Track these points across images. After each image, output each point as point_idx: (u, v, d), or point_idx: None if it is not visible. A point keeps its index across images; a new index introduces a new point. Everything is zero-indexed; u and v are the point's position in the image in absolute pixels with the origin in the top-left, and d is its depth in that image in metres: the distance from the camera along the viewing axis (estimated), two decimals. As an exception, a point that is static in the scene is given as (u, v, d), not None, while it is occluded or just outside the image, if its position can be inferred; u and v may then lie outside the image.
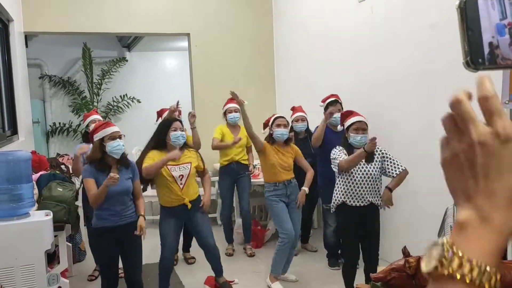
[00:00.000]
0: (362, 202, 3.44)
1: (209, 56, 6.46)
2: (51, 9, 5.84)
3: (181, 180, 3.57)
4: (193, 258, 4.78)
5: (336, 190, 3.55)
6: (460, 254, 0.48)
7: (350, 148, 3.45)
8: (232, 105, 4.93)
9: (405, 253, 2.04)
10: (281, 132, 3.99)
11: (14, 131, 4.90)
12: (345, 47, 5.02)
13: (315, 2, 5.60)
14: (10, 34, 4.99)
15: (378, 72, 4.50)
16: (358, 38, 4.78)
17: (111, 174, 2.94)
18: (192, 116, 4.45)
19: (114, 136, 3.10)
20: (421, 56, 3.96)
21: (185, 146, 3.69)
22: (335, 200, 3.54)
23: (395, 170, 3.46)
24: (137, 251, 3.29)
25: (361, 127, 3.43)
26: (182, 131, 3.64)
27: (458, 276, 0.47)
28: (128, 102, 8.93)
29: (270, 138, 4.07)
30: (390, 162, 3.47)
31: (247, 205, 5.09)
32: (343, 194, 3.48)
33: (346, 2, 4.92)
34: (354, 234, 3.50)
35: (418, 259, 1.99)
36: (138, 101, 8.90)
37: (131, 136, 5.22)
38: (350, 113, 3.56)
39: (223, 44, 6.51)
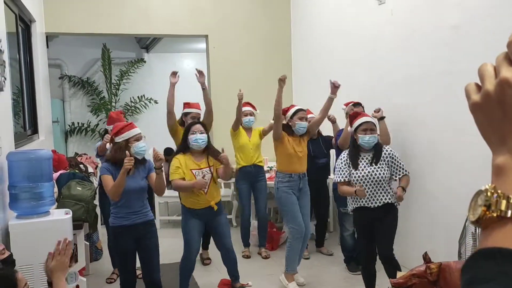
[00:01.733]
0: (376, 203, 3.40)
1: (227, 58, 6.47)
2: (72, 10, 5.92)
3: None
4: (209, 259, 4.79)
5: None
6: (506, 195, 0.48)
7: (357, 152, 3.43)
8: (247, 108, 4.95)
9: (426, 259, 2.02)
10: (303, 126, 4.05)
11: (35, 130, 4.97)
12: (365, 47, 4.98)
13: (334, 3, 5.57)
14: (32, 35, 5.07)
15: (398, 72, 4.47)
16: (378, 38, 4.75)
17: (126, 159, 2.98)
18: (201, 74, 4.67)
19: (139, 138, 3.14)
20: (441, 57, 3.91)
21: (207, 150, 3.71)
22: (351, 203, 3.52)
23: (398, 174, 3.47)
24: (154, 249, 3.32)
25: (369, 128, 3.40)
26: (202, 133, 3.66)
27: (509, 214, 0.46)
28: (145, 103, 8.99)
29: (288, 128, 4.06)
30: (395, 164, 3.46)
31: (264, 208, 5.08)
32: (357, 197, 3.45)
33: (366, 4, 4.89)
34: (370, 236, 3.47)
35: (440, 265, 1.96)
36: (156, 102, 8.95)
37: (148, 137, 5.25)
38: (357, 114, 3.54)
39: (241, 45, 6.52)
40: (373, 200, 3.40)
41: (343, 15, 5.38)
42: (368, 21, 4.89)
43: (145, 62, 9.14)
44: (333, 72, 5.64)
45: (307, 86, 6.40)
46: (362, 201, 3.43)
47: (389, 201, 3.40)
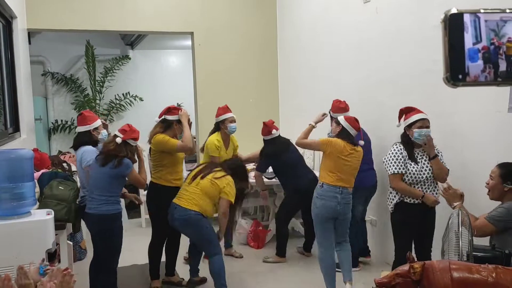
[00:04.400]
0: (419, 199, 3.33)
1: (213, 55, 6.44)
2: (55, 6, 5.83)
3: None
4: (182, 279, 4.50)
5: (392, 190, 3.44)
6: None
7: (412, 146, 3.33)
8: (232, 114, 4.66)
9: (410, 258, 2.02)
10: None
11: (16, 128, 4.88)
12: (351, 46, 5.00)
13: (320, 2, 5.58)
14: (14, 31, 4.97)
15: (384, 71, 4.49)
16: (364, 37, 4.76)
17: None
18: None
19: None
20: (426, 56, 3.94)
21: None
22: (393, 199, 3.42)
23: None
24: None
25: (425, 125, 3.29)
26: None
27: None
28: (130, 100, 8.91)
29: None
30: (442, 157, 3.38)
31: None
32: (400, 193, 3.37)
33: (351, 3, 4.90)
34: (410, 233, 3.39)
35: (423, 265, 1.97)
36: (141, 99, 8.88)
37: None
38: (411, 109, 3.38)
39: (226, 43, 6.49)
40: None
41: (328, 14, 5.38)
42: (354, 20, 4.90)
43: (130, 59, 9.05)
44: (318, 70, 5.66)
45: (293, 85, 6.40)
46: (405, 197, 3.34)
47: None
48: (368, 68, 4.72)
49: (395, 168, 3.31)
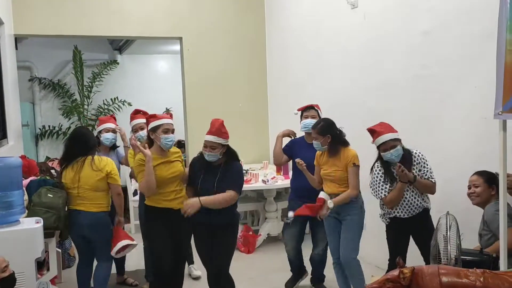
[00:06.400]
0: (413, 211, 3.30)
1: (201, 60, 6.44)
2: (42, 11, 5.79)
3: None
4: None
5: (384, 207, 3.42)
6: None
7: (388, 165, 3.30)
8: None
9: (399, 263, 2.05)
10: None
11: (4, 135, 4.83)
12: (339, 51, 5.03)
13: (308, 7, 5.61)
14: (0, 37, 4.93)
15: (371, 76, 4.53)
16: (352, 42, 4.81)
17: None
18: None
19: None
20: (414, 62, 3.99)
21: None
22: (386, 212, 3.40)
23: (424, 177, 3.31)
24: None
25: (389, 146, 3.23)
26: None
27: None
28: (119, 105, 8.87)
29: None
30: (424, 168, 3.30)
31: None
32: (394, 209, 3.34)
33: (339, 8, 4.94)
34: (405, 242, 3.36)
35: (413, 270, 1.99)
36: (129, 104, 8.83)
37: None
38: (373, 131, 3.32)
39: (215, 48, 6.50)
40: (411, 208, 3.29)
41: (316, 18, 5.42)
42: (342, 25, 4.95)
43: (118, 63, 9.01)
44: (307, 75, 5.69)
45: (282, 89, 6.42)
46: (398, 212, 3.32)
47: (425, 206, 3.32)
48: (356, 73, 4.75)
49: (382, 193, 3.32)
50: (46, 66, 8.50)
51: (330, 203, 3.36)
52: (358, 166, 3.42)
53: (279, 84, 6.50)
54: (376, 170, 3.37)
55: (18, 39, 6.78)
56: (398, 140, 3.27)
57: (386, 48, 4.32)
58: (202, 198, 3.22)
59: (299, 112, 4.11)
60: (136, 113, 4.31)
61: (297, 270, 4.21)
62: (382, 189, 3.32)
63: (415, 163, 3.29)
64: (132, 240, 3.73)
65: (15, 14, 5.63)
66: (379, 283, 2.03)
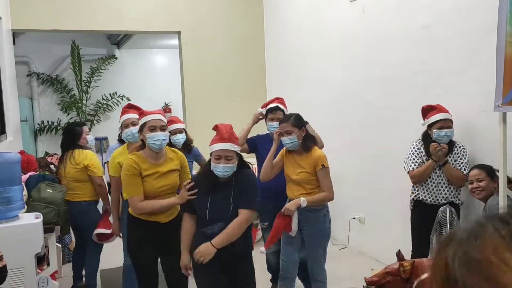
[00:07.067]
0: (438, 199, 3.25)
1: (200, 55, 6.43)
2: (39, 6, 5.76)
3: None
4: None
5: (413, 186, 3.37)
6: None
7: (430, 143, 3.22)
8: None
9: (400, 256, 2.05)
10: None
11: (2, 130, 4.82)
12: (338, 45, 5.02)
13: (306, 1, 5.59)
14: (-2, 32, 4.91)
15: (370, 71, 4.51)
16: (351, 36, 4.79)
17: None
18: None
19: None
20: (413, 56, 3.97)
21: None
22: (411, 195, 3.36)
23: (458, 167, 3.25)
24: None
25: (446, 125, 3.19)
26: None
27: None
28: (117, 100, 8.86)
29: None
30: (461, 160, 3.23)
31: None
32: (419, 191, 3.32)
33: (338, 2, 4.92)
34: (427, 233, 3.24)
35: (413, 263, 2.00)
36: (128, 99, 8.83)
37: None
38: (432, 108, 3.26)
39: (213, 42, 6.48)
40: (436, 196, 3.25)
41: (316, 12, 5.40)
42: (341, 19, 4.93)
43: (116, 58, 9.00)
44: (306, 70, 5.68)
45: (281, 85, 6.41)
46: (424, 196, 3.27)
47: (454, 201, 3.23)
48: (355, 67, 4.74)
49: (411, 166, 3.29)
50: (44, 61, 8.49)
51: (304, 202, 2.98)
52: (328, 167, 3.06)
53: (277, 78, 6.48)
54: (414, 144, 3.34)
55: (15, 34, 6.76)
56: (452, 124, 3.24)
57: (386, 42, 4.30)
58: (214, 241, 2.54)
59: (263, 110, 3.69)
60: (129, 107, 3.68)
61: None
62: (412, 162, 3.29)
63: (453, 153, 3.26)
64: (109, 229, 3.74)
65: (12, 9, 5.60)
66: (379, 276, 2.04)
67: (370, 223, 4.60)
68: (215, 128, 2.65)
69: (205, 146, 2.94)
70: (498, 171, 2.51)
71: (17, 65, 6.07)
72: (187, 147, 3.88)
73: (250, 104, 6.65)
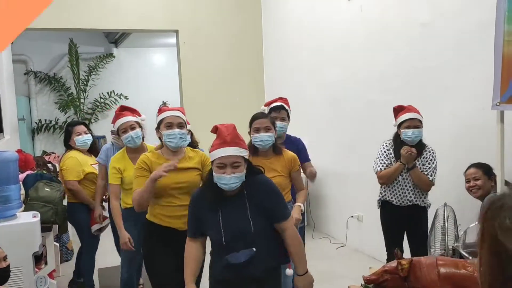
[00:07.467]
0: (404, 202, 3.25)
1: (198, 53, 6.41)
2: (37, 4, 5.73)
3: None
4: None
5: (381, 186, 3.37)
6: None
7: (401, 145, 3.20)
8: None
9: (398, 255, 2.05)
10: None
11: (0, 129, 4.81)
12: (336, 43, 5.02)
13: (304, 0, 5.59)
14: (-5, 30, 4.89)
15: (369, 69, 4.51)
16: (349, 35, 4.79)
17: None
18: None
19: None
20: (412, 54, 3.97)
21: None
22: (380, 195, 3.38)
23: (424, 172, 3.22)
24: None
25: (413, 125, 3.17)
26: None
27: None
28: (115, 99, 8.84)
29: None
30: (428, 164, 3.22)
31: None
32: (386, 192, 3.33)
33: (336, 1, 4.92)
34: (397, 232, 3.30)
35: (410, 261, 2.00)
36: (126, 97, 8.82)
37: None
38: (401, 108, 3.26)
39: (211, 41, 6.47)
40: (402, 198, 3.25)
41: (313, 11, 5.39)
42: (339, 17, 4.92)
43: (114, 57, 8.98)
44: (304, 69, 5.67)
45: (279, 84, 6.40)
46: (391, 197, 3.27)
47: (419, 204, 3.24)
48: (354, 66, 4.74)
49: (379, 166, 3.29)
50: (41, 59, 8.47)
51: (301, 206, 2.88)
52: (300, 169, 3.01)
53: (276, 77, 6.48)
54: (384, 144, 3.34)
55: (13, 33, 6.72)
56: (422, 124, 3.21)
57: (385, 40, 4.30)
58: (300, 270, 2.17)
59: (266, 108, 3.41)
60: (123, 109, 3.36)
61: None
62: (381, 163, 3.29)
63: (422, 157, 3.23)
64: (100, 223, 3.85)
65: (9, 7, 5.58)
66: (377, 274, 2.04)
67: (368, 222, 4.61)
68: (215, 129, 2.17)
69: (205, 147, 2.66)
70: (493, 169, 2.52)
71: (14, 63, 6.06)
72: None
73: (249, 103, 6.65)
